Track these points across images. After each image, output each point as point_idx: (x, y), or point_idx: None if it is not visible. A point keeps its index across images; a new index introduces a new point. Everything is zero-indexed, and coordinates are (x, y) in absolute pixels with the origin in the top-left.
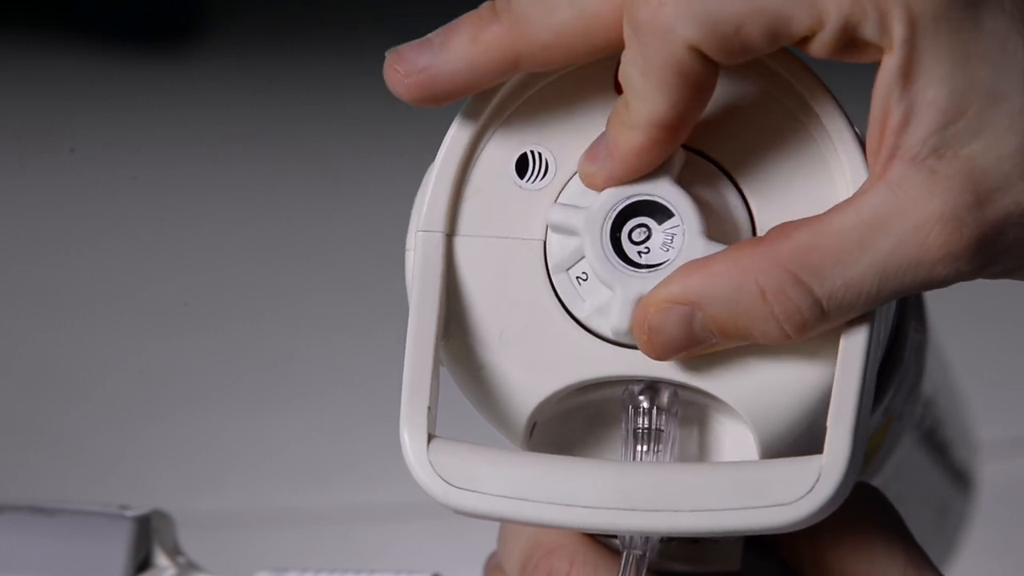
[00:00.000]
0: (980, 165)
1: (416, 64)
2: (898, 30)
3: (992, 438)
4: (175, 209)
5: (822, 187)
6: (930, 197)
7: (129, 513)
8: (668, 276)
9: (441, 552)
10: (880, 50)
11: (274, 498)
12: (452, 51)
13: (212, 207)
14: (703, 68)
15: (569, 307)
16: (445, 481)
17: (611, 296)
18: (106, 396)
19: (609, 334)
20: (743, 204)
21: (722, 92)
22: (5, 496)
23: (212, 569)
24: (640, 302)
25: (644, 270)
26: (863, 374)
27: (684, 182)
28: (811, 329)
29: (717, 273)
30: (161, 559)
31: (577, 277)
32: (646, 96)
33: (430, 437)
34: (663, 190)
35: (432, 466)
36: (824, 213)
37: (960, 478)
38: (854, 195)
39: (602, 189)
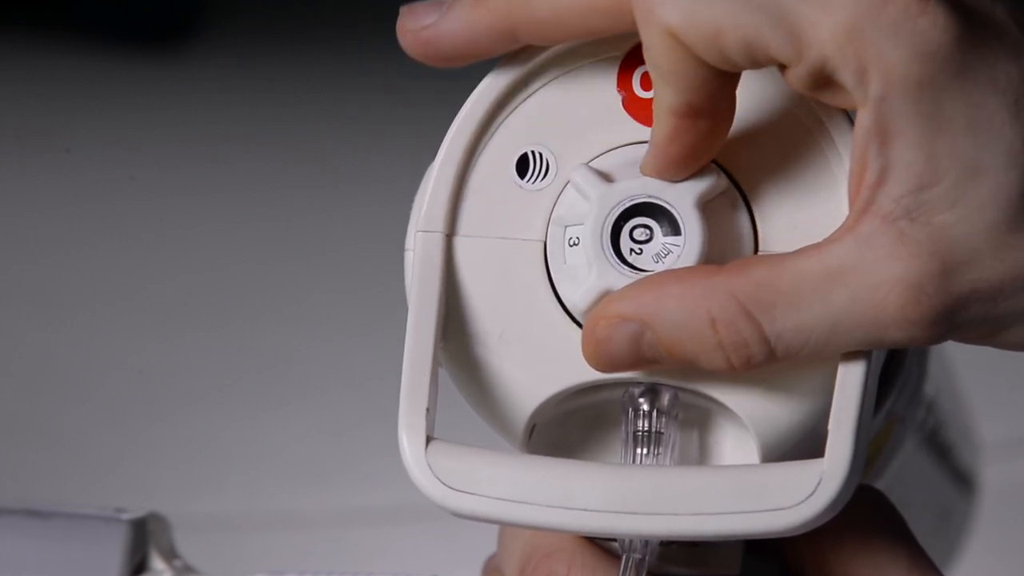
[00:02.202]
0: (951, 235)
1: (422, 20)
2: (874, 88)
3: (995, 438)
4: (174, 209)
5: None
6: (895, 259)
7: (125, 516)
8: (623, 289)
9: (438, 555)
10: (855, 101)
11: (271, 500)
12: (455, 11)
13: (211, 207)
14: (690, 60)
15: (551, 271)
16: (443, 484)
17: (588, 272)
18: (103, 397)
19: (569, 304)
20: (751, 225)
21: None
22: (1, 498)
23: (209, 572)
24: (592, 313)
25: (627, 268)
26: (865, 378)
27: (707, 204)
28: (757, 364)
29: (670, 295)
30: (157, 562)
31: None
32: (655, 82)
33: (428, 439)
34: (684, 208)
35: (430, 468)
36: (788, 253)
37: (963, 481)
38: (822, 242)
39: (647, 175)
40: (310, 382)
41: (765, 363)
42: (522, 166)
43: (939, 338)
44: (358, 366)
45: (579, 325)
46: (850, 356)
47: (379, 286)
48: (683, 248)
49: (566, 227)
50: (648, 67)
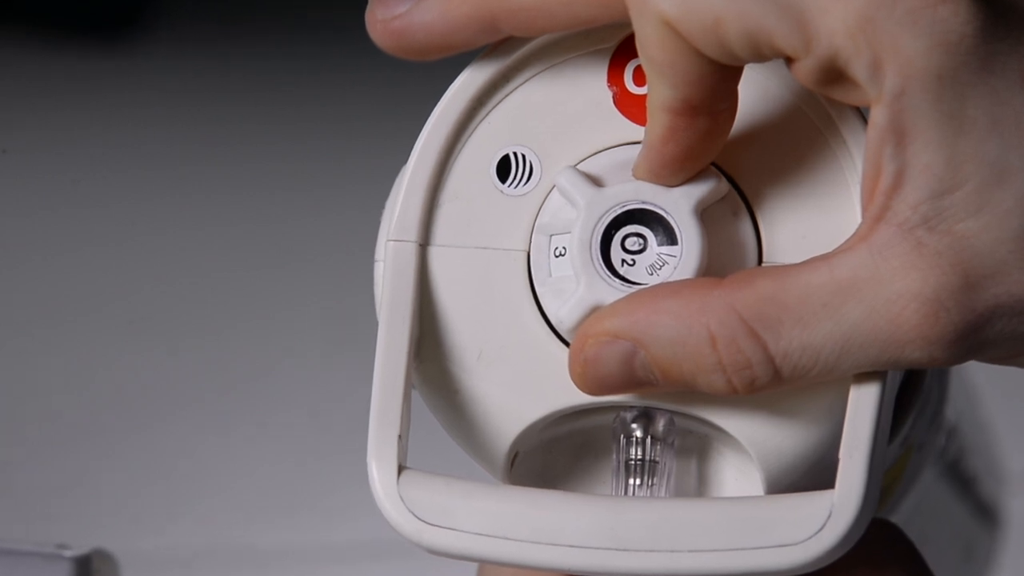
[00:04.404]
0: (974, 245)
1: (393, 10)
2: (890, 82)
3: (1022, 468)
4: (122, 217)
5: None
6: (911, 271)
7: (68, 553)
8: (613, 304)
9: None
10: (869, 97)
11: (228, 535)
12: (430, 1)
13: (163, 215)
14: (688, 52)
15: (535, 284)
16: (417, 517)
17: (575, 285)
18: (43, 421)
19: (554, 321)
20: (754, 233)
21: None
22: None
23: None
24: (580, 330)
25: (618, 281)
26: (880, 401)
27: (706, 210)
28: (761, 387)
29: (666, 311)
30: None
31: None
32: (648, 76)
33: (401, 469)
34: (681, 215)
35: (403, 501)
36: (795, 264)
37: (987, 514)
38: (832, 252)
39: (640, 179)
40: (271, 406)
41: (770, 385)
42: (503, 169)
43: (960, 357)
44: (324, 388)
45: (566, 343)
46: (863, 377)
47: (346, 300)
48: (680, 259)
49: (551, 236)
50: (641, 60)
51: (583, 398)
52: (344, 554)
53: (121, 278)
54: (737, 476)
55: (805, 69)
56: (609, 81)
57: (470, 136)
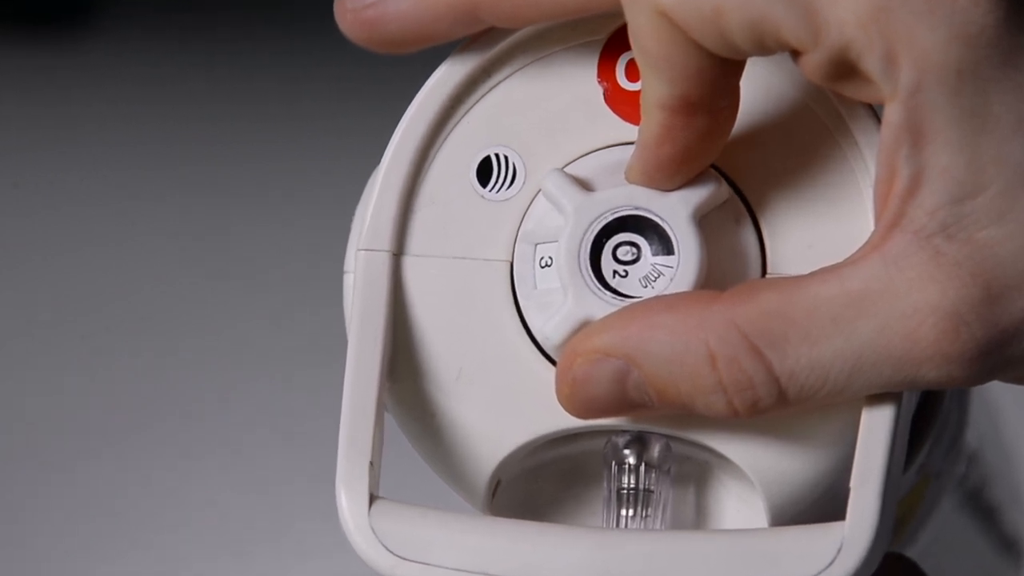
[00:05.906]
0: (997, 255)
1: None
2: (905, 77)
3: None
4: (66, 222)
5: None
6: (929, 282)
7: None
8: (604, 319)
9: None
10: (883, 94)
11: (184, 571)
12: None
13: (110, 220)
14: (685, 44)
15: (519, 298)
16: (390, 551)
17: (562, 298)
18: None
19: (540, 337)
20: (758, 242)
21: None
22: None
23: None
24: (568, 348)
25: (609, 294)
26: (894, 425)
27: (705, 217)
28: (765, 409)
29: (661, 326)
30: None
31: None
32: (643, 71)
33: (372, 498)
34: (677, 222)
35: (375, 533)
36: (802, 276)
37: (1011, 547)
38: (843, 263)
39: (633, 182)
40: (231, 430)
41: (774, 407)
42: (484, 172)
43: (982, 377)
44: (288, 411)
45: (552, 362)
46: (876, 399)
47: (313, 315)
48: (676, 270)
49: (536, 245)
50: (635, 53)
51: (571, 421)
52: None
53: (67, 289)
54: (739, 506)
55: (813, 63)
56: (599, 76)
57: (448, 136)
